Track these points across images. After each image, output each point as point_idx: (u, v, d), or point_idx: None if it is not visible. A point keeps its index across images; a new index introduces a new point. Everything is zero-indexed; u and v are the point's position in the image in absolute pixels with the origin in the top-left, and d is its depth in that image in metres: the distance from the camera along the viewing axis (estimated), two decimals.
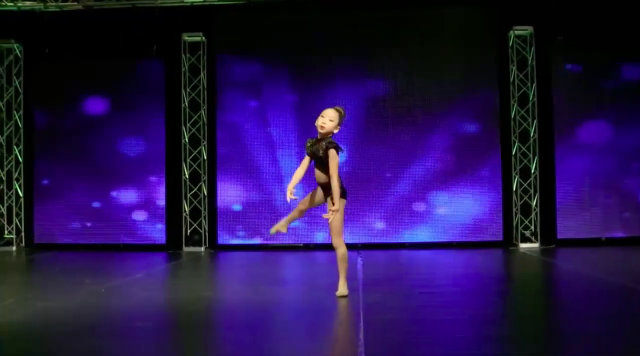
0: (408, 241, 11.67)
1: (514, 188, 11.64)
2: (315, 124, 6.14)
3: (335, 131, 6.15)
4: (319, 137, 6.15)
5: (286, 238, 11.73)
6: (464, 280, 7.95)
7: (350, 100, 11.63)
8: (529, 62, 11.71)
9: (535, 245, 11.47)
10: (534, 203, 11.61)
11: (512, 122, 11.72)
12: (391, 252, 11.26)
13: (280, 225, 6.41)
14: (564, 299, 6.76)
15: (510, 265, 9.94)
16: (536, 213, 11.58)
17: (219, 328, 5.48)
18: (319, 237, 11.71)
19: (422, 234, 11.69)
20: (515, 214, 11.62)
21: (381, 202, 11.70)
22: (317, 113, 11.72)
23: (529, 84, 11.70)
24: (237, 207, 11.86)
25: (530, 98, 11.69)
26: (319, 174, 6.17)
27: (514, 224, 11.63)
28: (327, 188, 6.12)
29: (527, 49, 11.74)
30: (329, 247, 11.44)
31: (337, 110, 6.15)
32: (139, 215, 11.97)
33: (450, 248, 11.55)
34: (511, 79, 11.74)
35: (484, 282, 7.82)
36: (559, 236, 11.50)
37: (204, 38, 12.03)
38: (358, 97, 11.71)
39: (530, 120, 11.69)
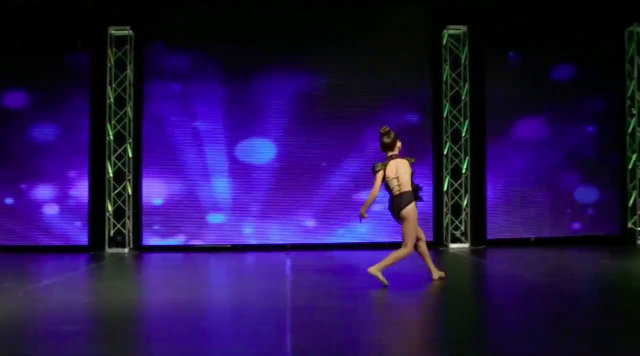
0: (338, 241, 11.44)
1: (445, 189, 11.52)
2: None
3: (387, 152, 7.00)
4: None
5: (213, 239, 11.43)
6: (394, 281, 7.72)
7: (281, 96, 11.45)
8: (462, 62, 11.63)
9: (466, 245, 11.35)
10: (465, 203, 11.50)
11: (444, 122, 11.62)
12: (322, 252, 11.01)
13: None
14: (492, 299, 6.64)
15: (441, 266, 9.71)
16: (467, 214, 11.47)
17: (144, 332, 5.21)
18: (249, 238, 11.42)
19: (353, 234, 11.47)
20: (446, 214, 11.49)
21: (312, 201, 11.45)
22: (247, 108, 11.57)
23: (461, 84, 11.62)
24: (162, 207, 11.46)
25: (463, 98, 11.60)
26: None
27: (445, 224, 11.49)
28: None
29: (460, 49, 11.66)
30: (258, 248, 11.29)
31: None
32: (59, 215, 11.45)
33: (382, 248, 11.32)
34: (444, 78, 11.64)
35: (414, 283, 7.61)
36: (489, 236, 11.43)
37: (131, 32, 11.63)
38: (290, 93, 11.48)
39: (462, 119, 11.59)
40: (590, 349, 4.14)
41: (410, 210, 6.73)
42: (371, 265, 6.94)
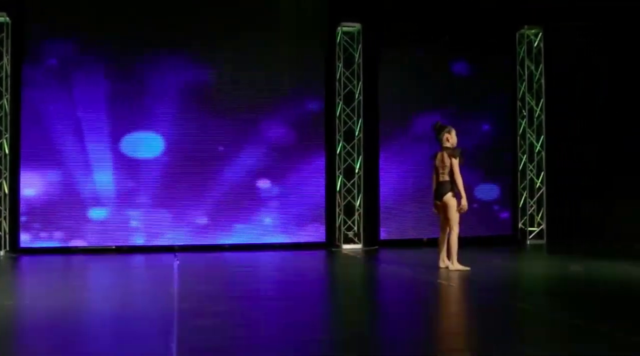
0: (229, 242, 11.10)
1: (338, 188, 11.36)
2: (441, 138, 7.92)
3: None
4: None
5: (95, 240, 10.89)
6: (284, 283, 7.56)
7: (169, 89, 10.97)
8: (356, 60, 11.48)
9: (359, 246, 11.22)
10: (358, 203, 11.37)
11: (337, 120, 11.44)
12: (211, 254, 10.64)
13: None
14: (379, 300, 6.56)
15: (333, 267, 9.55)
16: (359, 214, 11.34)
17: (20, 339, 4.80)
18: (137, 239, 10.93)
19: (243, 235, 11.15)
20: (339, 214, 11.33)
21: (205, 197, 11.05)
22: (134, 100, 10.96)
23: (355, 82, 11.46)
24: (42, 207, 10.80)
25: (356, 97, 11.45)
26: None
27: (337, 225, 11.33)
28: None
29: (354, 46, 11.50)
30: (145, 250, 10.81)
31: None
32: None
33: (273, 249, 11.08)
34: (337, 77, 11.46)
35: (304, 284, 7.45)
36: (382, 237, 11.34)
37: (8, 19, 10.89)
38: (180, 86, 11.01)
39: (355, 118, 11.45)
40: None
41: (449, 197, 7.73)
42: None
